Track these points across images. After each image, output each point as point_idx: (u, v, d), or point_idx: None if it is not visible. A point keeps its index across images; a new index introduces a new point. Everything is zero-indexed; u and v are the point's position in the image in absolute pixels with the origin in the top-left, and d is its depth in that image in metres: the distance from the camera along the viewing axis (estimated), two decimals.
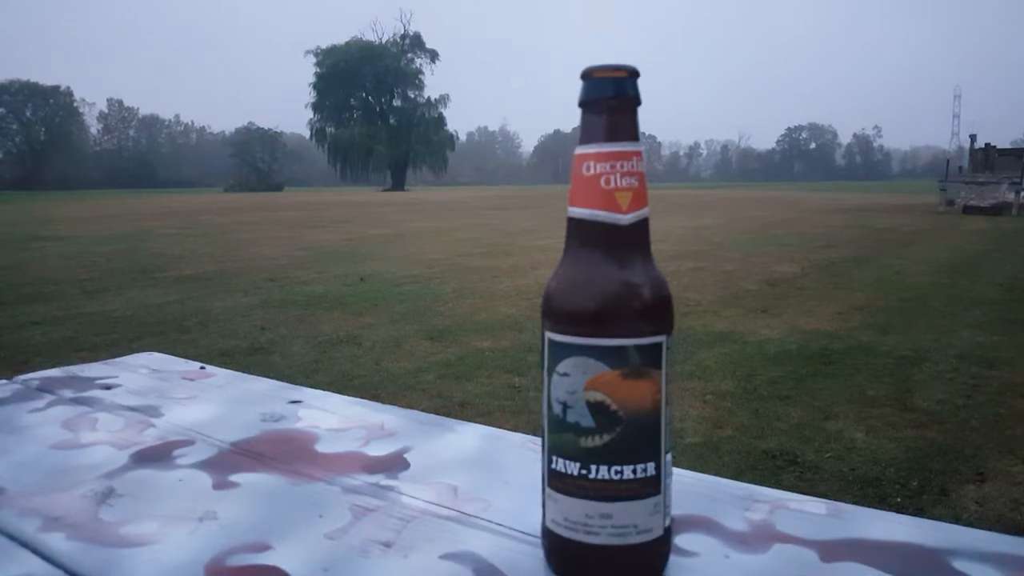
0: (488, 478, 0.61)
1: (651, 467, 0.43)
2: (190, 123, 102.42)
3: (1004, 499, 2.20)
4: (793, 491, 0.58)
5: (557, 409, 0.43)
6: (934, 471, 2.39)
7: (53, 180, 62.53)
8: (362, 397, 0.85)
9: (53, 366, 1.00)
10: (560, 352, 0.43)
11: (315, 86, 57.64)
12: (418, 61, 61.41)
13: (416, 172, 62.78)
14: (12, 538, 0.52)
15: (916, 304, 5.30)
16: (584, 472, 0.43)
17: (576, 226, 0.44)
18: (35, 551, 0.50)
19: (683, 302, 5.22)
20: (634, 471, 0.43)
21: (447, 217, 16.87)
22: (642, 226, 0.44)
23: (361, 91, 59.59)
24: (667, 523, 0.45)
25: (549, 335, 0.44)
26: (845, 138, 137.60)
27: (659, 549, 0.45)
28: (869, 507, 0.56)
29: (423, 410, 0.81)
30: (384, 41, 61.68)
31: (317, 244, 10.27)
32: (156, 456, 0.67)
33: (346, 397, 0.85)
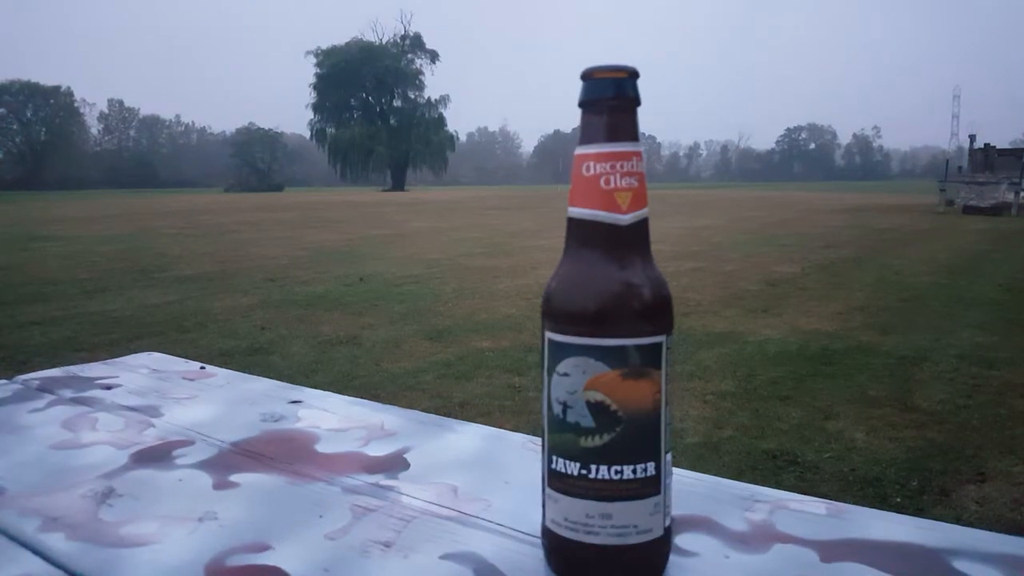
0: (488, 478, 0.61)
1: (651, 467, 0.43)
2: (191, 123, 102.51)
3: (1004, 499, 2.20)
4: (793, 491, 0.58)
5: (557, 409, 0.43)
6: (934, 471, 2.39)
7: (54, 180, 62.55)
8: (362, 397, 0.86)
9: (53, 366, 1.00)
10: (560, 352, 0.43)
11: (315, 87, 57.66)
12: (418, 62, 61.49)
13: (416, 172, 62.79)
14: (12, 538, 0.52)
15: (916, 304, 5.30)
16: (584, 472, 0.43)
17: (576, 226, 0.44)
18: (35, 551, 0.50)
19: (683, 302, 5.22)
20: (634, 471, 0.43)
21: (447, 217, 16.88)
22: (642, 226, 0.44)
23: (361, 91, 59.60)
24: (667, 523, 0.45)
25: (549, 335, 0.44)
26: (845, 138, 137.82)
27: (659, 549, 0.45)
28: (869, 507, 0.56)
29: (423, 410, 0.81)
30: (384, 42, 61.72)
31: (317, 244, 10.28)
32: (156, 456, 0.67)
33: (346, 397, 0.85)
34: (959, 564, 0.46)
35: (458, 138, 68.95)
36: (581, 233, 0.44)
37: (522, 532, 0.51)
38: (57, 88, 71.52)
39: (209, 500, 0.58)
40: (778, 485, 0.62)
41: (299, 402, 0.83)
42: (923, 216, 15.22)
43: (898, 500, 2.19)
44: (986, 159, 17.43)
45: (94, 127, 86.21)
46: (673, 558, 0.47)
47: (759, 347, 4.04)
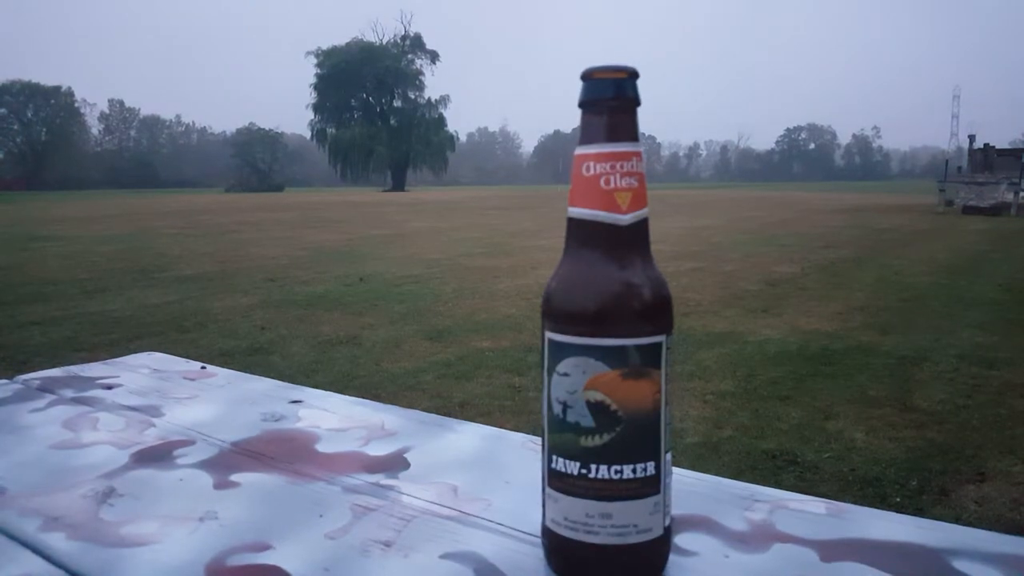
0: (488, 478, 0.62)
1: (651, 467, 0.43)
2: (191, 123, 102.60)
3: (1004, 499, 2.20)
4: (793, 491, 0.58)
5: (557, 409, 0.44)
6: (934, 471, 2.39)
7: (54, 180, 62.54)
8: (362, 397, 0.86)
9: (53, 366, 1.01)
10: (560, 352, 0.43)
11: (316, 87, 57.66)
12: (418, 62, 61.49)
13: (416, 172, 62.78)
14: (12, 538, 0.52)
15: (916, 304, 5.30)
16: (584, 472, 0.43)
17: (576, 226, 0.44)
18: (35, 551, 0.50)
19: (683, 302, 5.22)
20: (634, 471, 0.43)
21: (447, 217, 16.88)
22: (642, 226, 0.44)
23: (361, 92, 59.59)
24: (667, 523, 0.45)
25: (549, 335, 0.44)
26: (844, 138, 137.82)
27: (659, 549, 0.45)
28: (869, 507, 0.56)
29: (423, 410, 0.81)
30: (384, 42, 61.71)
31: (317, 244, 10.28)
32: (157, 456, 0.67)
33: (346, 397, 0.85)
34: (959, 564, 0.46)
35: (458, 138, 68.94)
36: (581, 233, 0.44)
37: (522, 532, 0.52)
38: (58, 88, 71.58)
39: (210, 500, 0.58)
40: (778, 485, 0.62)
41: (299, 402, 0.83)
42: (923, 216, 15.22)
43: (898, 500, 2.19)
44: (986, 159, 17.44)
45: (94, 127, 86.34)
46: (673, 558, 0.47)
47: (759, 347, 4.04)
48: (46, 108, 71.18)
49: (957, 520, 2.02)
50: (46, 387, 0.89)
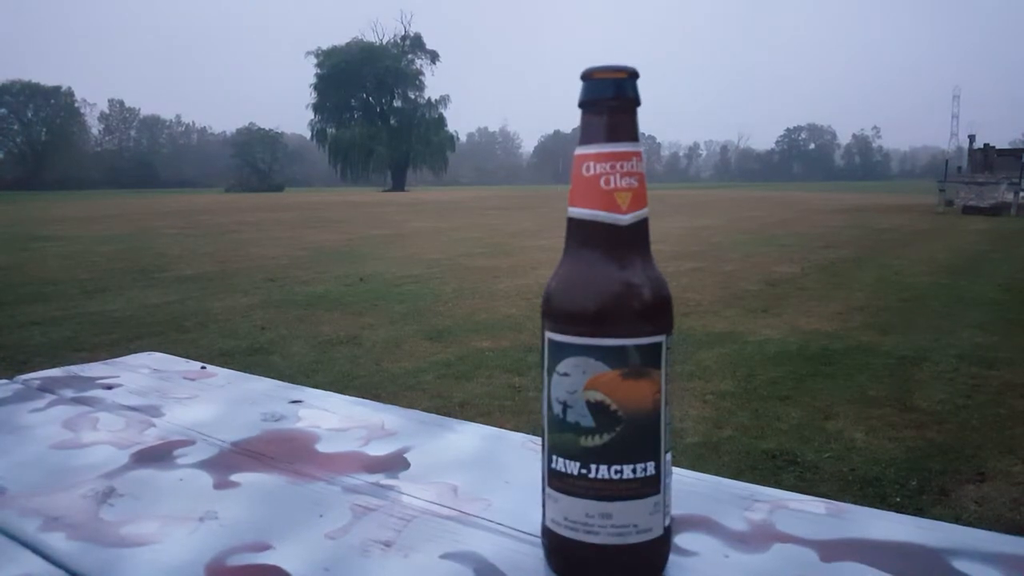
0: (488, 478, 0.62)
1: (651, 467, 0.43)
2: (191, 123, 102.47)
3: (1004, 499, 2.20)
4: (793, 491, 0.58)
5: (557, 409, 0.44)
6: (934, 471, 2.39)
7: (54, 180, 62.52)
8: (362, 397, 0.86)
9: (53, 366, 1.01)
10: (560, 352, 0.43)
11: (316, 87, 57.62)
12: (418, 62, 61.43)
13: (416, 172, 62.76)
14: (12, 538, 0.52)
15: (916, 304, 5.30)
16: (584, 472, 0.43)
17: (576, 226, 0.45)
18: (35, 551, 0.50)
19: (683, 302, 5.22)
20: (634, 471, 0.43)
21: (447, 217, 16.88)
22: (642, 226, 0.44)
23: (362, 92, 59.56)
24: (667, 523, 0.45)
25: (549, 335, 0.44)
26: (844, 139, 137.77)
27: (659, 549, 0.45)
28: (869, 507, 0.56)
29: (423, 410, 0.81)
30: (385, 42, 61.67)
31: (317, 244, 10.28)
32: (157, 456, 0.67)
33: (346, 397, 0.85)
34: (959, 564, 0.46)
35: (458, 138, 68.89)
36: (581, 233, 0.44)
37: (522, 532, 0.52)
38: (58, 88, 71.54)
39: (210, 500, 0.58)
40: (778, 485, 0.62)
41: (299, 402, 0.83)
42: (922, 216, 15.22)
43: (897, 500, 2.19)
44: (985, 159, 17.44)
45: (95, 127, 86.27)
46: (673, 557, 0.47)
47: (759, 347, 4.04)
48: (46, 108, 71.16)
49: (957, 520, 2.02)
50: (46, 387, 0.90)
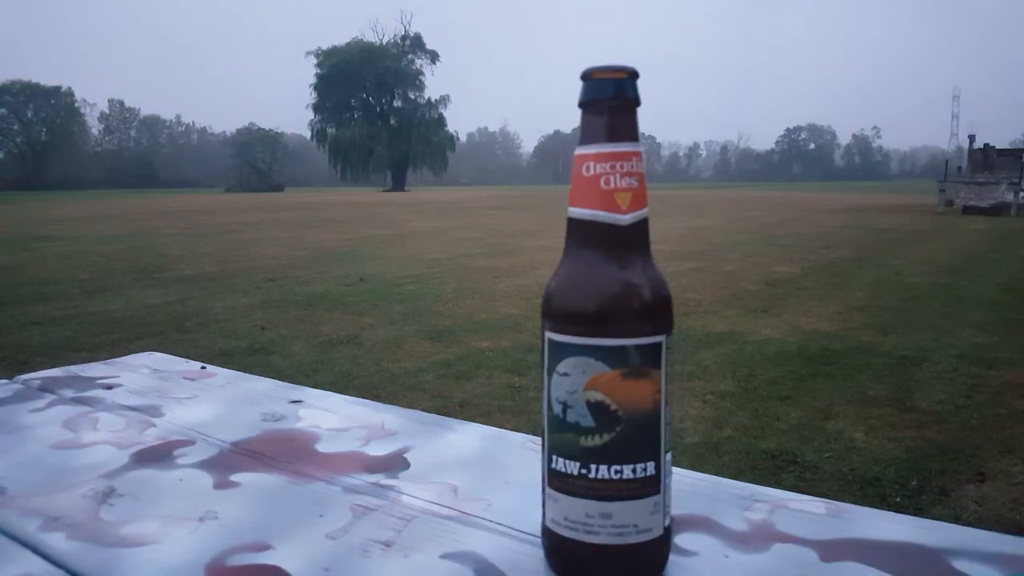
0: (488, 478, 0.62)
1: (651, 467, 0.43)
2: (191, 123, 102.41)
3: (1004, 499, 2.20)
4: (793, 491, 0.58)
5: (557, 409, 0.44)
6: (934, 471, 2.39)
7: (54, 180, 62.51)
8: (362, 397, 0.86)
9: (53, 366, 1.01)
10: (560, 352, 0.43)
11: (316, 87, 57.62)
12: (418, 62, 61.42)
13: (416, 172, 62.75)
14: (12, 538, 0.52)
15: (915, 304, 5.30)
16: (584, 472, 0.43)
17: (576, 226, 0.45)
18: (35, 551, 0.50)
19: (683, 302, 5.22)
20: (634, 471, 0.43)
21: (447, 217, 16.88)
22: (642, 226, 0.44)
23: (362, 92, 59.55)
24: (667, 523, 0.45)
25: (549, 335, 0.44)
26: (844, 139, 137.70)
27: (659, 549, 0.45)
28: (869, 507, 0.56)
29: (423, 410, 0.81)
30: (385, 42, 61.65)
31: (317, 244, 10.28)
32: (157, 456, 0.67)
33: (347, 397, 0.85)
34: (959, 564, 0.46)
35: (458, 138, 68.85)
36: (581, 233, 0.44)
37: (522, 532, 0.52)
38: (58, 88, 71.52)
39: (210, 500, 0.58)
40: (778, 485, 0.62)
41: (299, 402, 0.83)
42: (922, 216, 15.22)
43: (897, 500, 2.19)
44: (985, 159, 17.43)
45: (95, 127, 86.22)
46: (673, 557, 0.47)
47: (759, 347, 4.04)
48: (46, 108, 71.13)
49: (957, 520, 2.02)
50: (46, 387, 0.90)
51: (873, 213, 16.71)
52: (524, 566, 0.47)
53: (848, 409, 3.00)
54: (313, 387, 0.88)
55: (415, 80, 60.60)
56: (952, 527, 0.51)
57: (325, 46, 57.93)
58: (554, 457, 0.44)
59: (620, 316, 0.42)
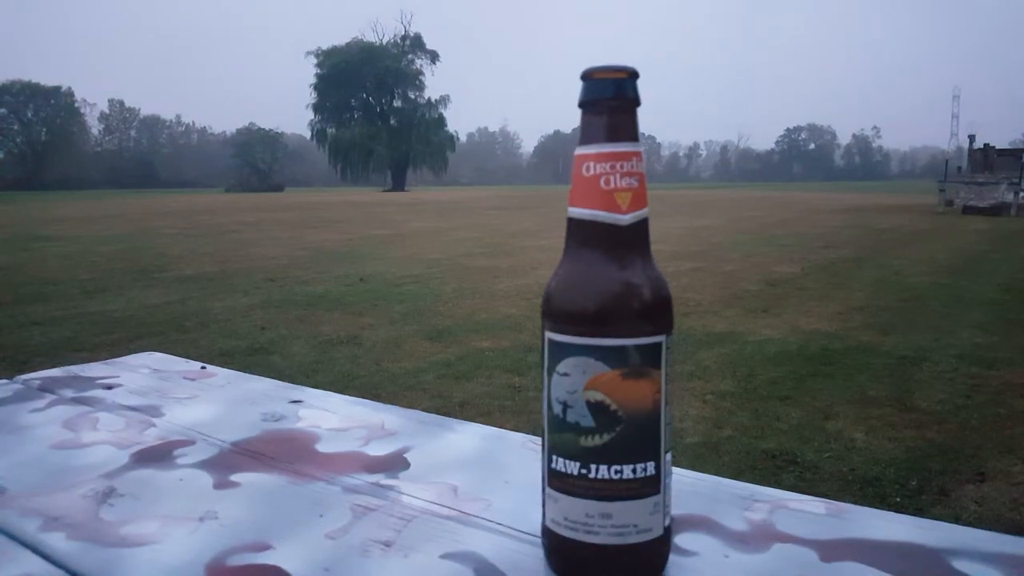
0: (488, 478, 0.62)
1: (651, 467, 0.43)
2: (191, 123, 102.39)
3: (1004, 499, 2.20)
4: (793, 491, 0.58)
5: (557, 409, 0.44)
6: (934, 471, 2.39)
7: (54, 180, 62.51)
8: (362, 397, 0.86)
9: (53, 366, 1.01)
10: (560, 352, 0.43)
11: (316, 87, 57.61)
12: (418, 62, 61.41)
13: (416, 172, 62.74)
14: (12, 538, 0.52)
15: (915, 304, 5.30)
16: (584, 472, 0.43)
17: (576, 226, 0.45)
18: (35, 551, 0.50)
19: (683, 302, 5.22)
20: (634, 471, 0.43)
21: (447, 217, 16.88)
22: (642, 226, 0.44)
23: (362, 92, 59.55)
24: (667, 523, 0.45)
25: (549, 335, 0.44)
26: (844, 139, 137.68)
27: (659, 549, 0.45)
28: (869, 507, 0.56)
29: (423, 410, 0.81)
30: (385, 42, 61.65)
31: (317, 244, 10.28)
32: (157, 456, 0.67)
33: (347, 397, 0.85)
34: (959, 564, 0.46)
35: (458, 138, 68.84)
36: (581, 233, 0.44)
37: (522, 532, 0.52)
38: (58, 88, 71.50)
39: (210, 500, 0.58)
40: (778, 485, 0.62)
41: (300, 402, 0.83)
42: (922, 216, 15.22)
43: (897, 500, 2.19)
44: (985, 159, 17.43)
45: (95, 127, 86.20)
46: (673, 558, 0.47)
47: (759, 347, 4.04)
48: (46, 108, 71.10)
49: (957, 520, 2.02)
50: (46, 387, 0.90)
51: (873, 213, 16.71)
52: (524, 566, 0.47)
53: (848, 409, 3.00)
54: (313, 387, 0.88)
55: (415, 80, 60.61)
56: (952, 527, 0.51)
57: (325, 46, 57.97)
58: (554, 457, 0.44)
59: (620, 316, 0.42)
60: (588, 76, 0.44)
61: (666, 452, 0.44)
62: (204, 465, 0.65)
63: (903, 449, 2.58)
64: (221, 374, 0.95)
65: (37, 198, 36.40)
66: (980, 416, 2.89)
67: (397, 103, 60.69)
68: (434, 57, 61.54)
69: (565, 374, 0.43)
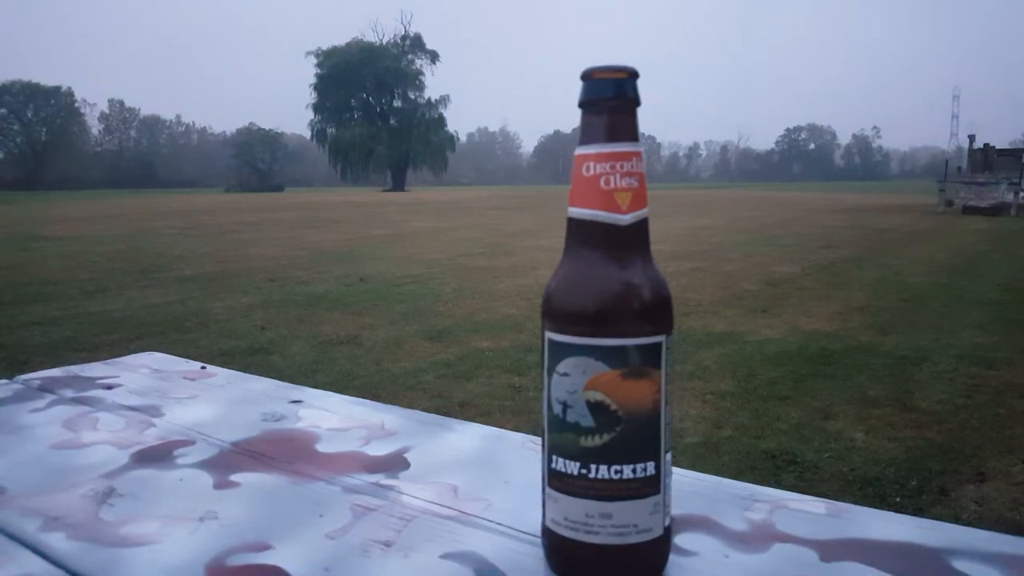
0: (488, 478, 0.62)
1: (651, 467, 0.43)
2: (191, 124, 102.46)
3: (1004, 499, 2.20)
4: (793, 491, 0.58)
5: (557, 409, 0.44)
6: (934, 471, 2.39)
7: (54, 180, 62.51)
8: (363, 397, 0.86)
9: (53, 366, 1.01)
10: (560, 352, 0.43)
11: (316, 87, 57.64)
12: (418, 62, 61.44)
13: (416, 172, 62.75)
14: (12, 538, 0.52)
15: (915, 304, 5.30)
16: (584, 472, 0.43)
17: (576, 226, 0.45)
18: (35, 551, 0.50)
19: (683, 302, 5.22)
20: (634, 471, 0.43)
21: (447, 217, 16.88)
22: (642, 226, 0.44)
23: (362, 92, 59.56)
24: (667, 523, 0.45)
25: (549, 335, 0.44)
26: (844, 139, 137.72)
27: (659, 549, 0.45)
28: (869, 507, 0.56)
29: (423, 410, 0.81)
30: (385, 42, 61.67)
31: (317, 244, 10.28)
32: (157, 456, 0.67)
33: (347, 397, 0.85)
34: (959, 564, 0.46)
35: (458, 138, 68.83)
36: (581, 233, 0.44)
37: (522, 532, 0.52)
38: (58, 88, 71.50)
39: (210, 500, 0.58)
40: (778, 485, 0.62)
41: (300, 402, 0.83)
42: (922, 216, 15.22)
43: (897, 500, 2.19)
44: (985, 159, 17.43)
45: (95, 127, 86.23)
46: (673, 557, 0.47)
47: (759, 347, 4.04)
48: (46, 108, 71.10)
49: (957, 520, 2.02)
50: (46, 387, 0.90)
51: (873, 213, 16.71)
52: (524, 566, 0.47)
53: (848, 409, 3.00)
54: (313, 387, 0.88)
55: (415, 80, 60.62)
56: (952, 527, 0.51)
57: (325, 46, 58.01)
58: (554, 457, 0.44)
59: (620, 316, 0.42)
60: (588, 76, 0.44)
61: (666, 452, 0.44)
62: (204, 465, 0.65)
63: (903, 449, 2.58)
64: (221, 374, 0.95)
65: (37, 198, 36.39)
66: (980, 416, 2.89)
67: (397, 103, 60.73)
68: (434, 57, 61.59)
69: (565, 374, 0.43)
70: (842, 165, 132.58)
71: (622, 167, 0.43)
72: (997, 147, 18.14)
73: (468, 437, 0.72)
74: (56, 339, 4.43)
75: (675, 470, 0.50)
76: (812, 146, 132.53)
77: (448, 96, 60.63)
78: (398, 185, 56.07)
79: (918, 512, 2.02)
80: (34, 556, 0.50)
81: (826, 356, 3.83)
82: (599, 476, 0.43)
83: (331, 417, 0.78)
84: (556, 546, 0.45)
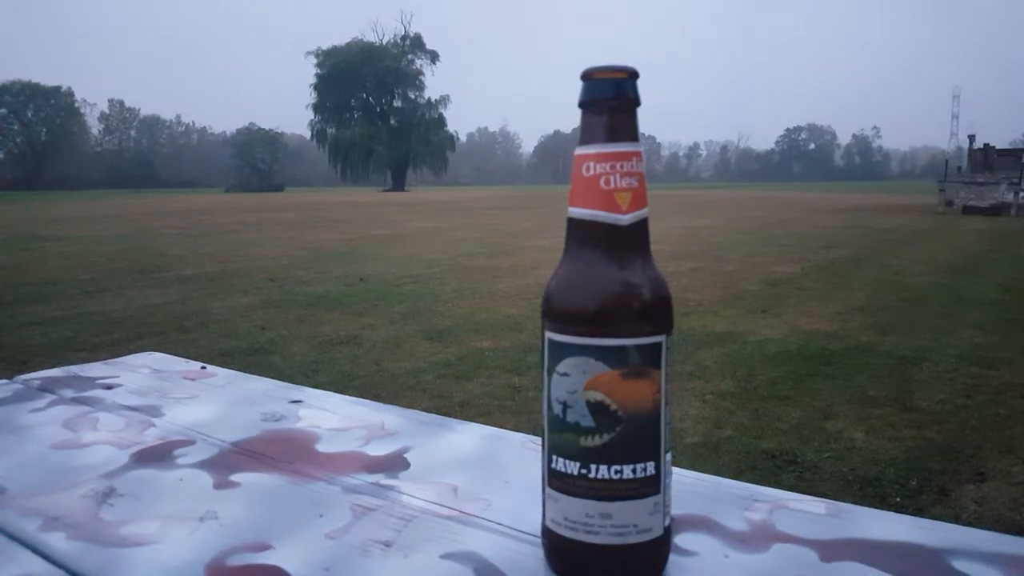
0: (488, 478, 0.62)
1: (651, 467, 0.43)
2: (191, 123, 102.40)
3: (1004, 499, 2.20)
4: (793, 491, 0.58)
5: (557, 409, 0.44)
6: (934, 471, 2.39)
7: (54, 180, 62.50)
8: (363, 397, 0.86)
9: (53, 366, 1.01)
10: (560, 352, 0.43)
11: (316, 87, 57.63)
12: (418, 62, 61.42)
13: (416, 172, 62.75)
14: (12, 538, 0.52)
15: (915, 304, 5.30)
16: (584, 472, 0.43)
17: (576, 226, 0.45)
18: (35, 551, 0.50)
19: (683, 302, 5.22)
20: (634, 471, 0.43)
21: (447, 217, 16.88)
22: (642, 226, 0.44)
23: (362, 92, 59.56)
24: (667, 523, 0.45)
25: (549, 335, 0.44)
26: (844, 139, 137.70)
27: (659, 549, 0.45)
28: (869, 507, 0.56)
29: (423, 410, 0.81)
30: (385, 42, 61.66)
31: (317, 244, 10.28)
32: (157, 456, 0.67)
33: (347, 397, 0.85)
34: (959, 564, 0.46)
35: (458, 138, 68.83)
36: (581, 233, 0.44)
37: (522, 532, 0.52)
38: (58, 88, 71.47)
39: (210, 500, 0.58)
40: (778, 485, 0.62)
41: (300, 402, 0.83)
42: (922, 216, 15.22)
43: (897, 500, 2.19)
44: (985, 159, 17.43)
45: (95, 127, 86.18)
46: (673, 557, 0.47)
47: (759, 347, 4.04)
48: (46, 108, 71.08)
49: (957, 520, 2.02)
50: (46, 387, 0.90)
51: (873, 213, 16.71)
52: (524, 566, 0.47)
53: (848, 409, 3.00)
54: (313, 387, 0.88)
55: (415, 80, 60.62)
56: (952, 527, 0.51)
57: (325, 46, 58.00)
58: (554, 457, 0.44)
59: (620, 316, 0.42)
60: (588, 76, 0.44)
61: (666, 452, 0.44)
62: (204, 465, 0.65)
63: (903, 449, 2.58)
64: (221, 374, 0.95)
65: (37, 198, 36.39)
66: (980, 416, 2.89)
67: (397, 103, 60.71)
68: (434, 57, 61.58)
69: (565, 374, 0.43)
70: (842, 165, 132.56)
71: (622, 167, 0.43)
72: (997, 147, 18.13)
73: (468, 437, 0.72)
74: (56, 339, 4.43)
75: (675, 470, 0.50)
76: (812, 146, 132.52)
77: (448, 96, 60.67)
78: (398, 185, 56.06)
79: (918, 512, 2.02)
80: (34, 556, 0.50)
81: (826, 356, 3.83)
82: (599, 476, 0.43)
83: (331, 417, 0.78)
84: (556, 546, 0.45)
